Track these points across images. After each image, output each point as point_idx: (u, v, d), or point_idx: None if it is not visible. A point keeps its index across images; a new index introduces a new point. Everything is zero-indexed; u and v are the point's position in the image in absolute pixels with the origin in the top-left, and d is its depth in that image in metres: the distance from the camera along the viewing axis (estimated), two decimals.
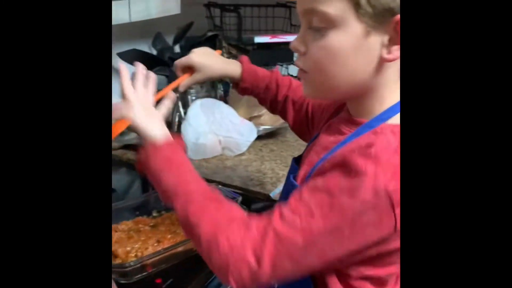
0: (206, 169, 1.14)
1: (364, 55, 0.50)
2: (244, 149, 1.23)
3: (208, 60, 0.76)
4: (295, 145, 1.32)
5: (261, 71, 0.79)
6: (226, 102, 1.34)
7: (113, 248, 0.78)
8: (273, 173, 1.13)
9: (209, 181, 1.05)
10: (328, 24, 0.49)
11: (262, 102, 0.83)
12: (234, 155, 1.22)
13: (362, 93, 0.53)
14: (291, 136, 1.38)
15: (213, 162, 1.19)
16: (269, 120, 1.31)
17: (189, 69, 0.77)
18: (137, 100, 0.61)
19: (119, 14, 0.85)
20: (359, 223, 0.45)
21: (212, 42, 1.38)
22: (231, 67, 0.78)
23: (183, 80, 0.77)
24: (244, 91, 0.80)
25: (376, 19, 0.47)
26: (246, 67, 0.78)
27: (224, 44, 1.49)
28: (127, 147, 1.25)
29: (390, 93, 0.53)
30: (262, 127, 1.29)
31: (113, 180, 1.19)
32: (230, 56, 1.46)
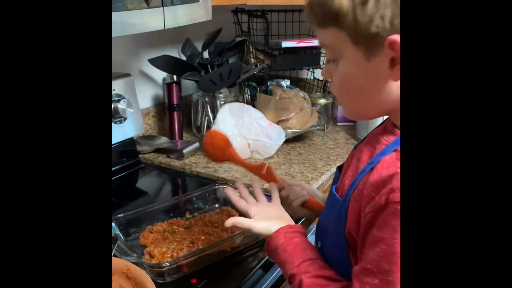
0: (236, 172, 1.16)
1: (373, 79, 0.51)
2: (273, 152, 1.24)
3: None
4: (323, 148, 1.32)
5: None
6: (253, 106, 1.36)
7: (149, 249, 0.80)
8: (302, 176, 1.14)
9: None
10: (335, 54, 0.52)
11: None
12: (263, 158, 1.23)
13: (395, 108, 0.52)
14: (318, 140, 1.38)
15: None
16: (297, 124, 1.32)
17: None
18: (255, 211, 0.71)
19: (154, 22, 0.87)
20: None
21: (240, 48, 1.41)
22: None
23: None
24: None
25: (369, 44, 0.49)
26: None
27: (251, 49, 1.51)
28: (159, 150, 1.28)
29: None
30: (290, 131, 1.30)
31: (144, 183, 1.22)
32: (258, 60, 1.48)
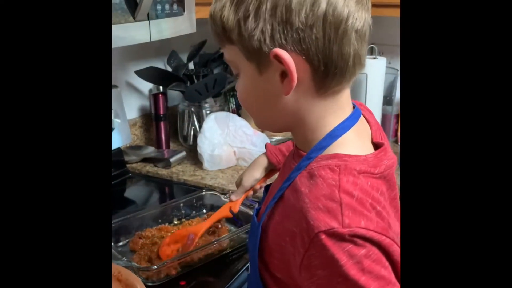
0: (222, 179, 1.19)
1: (267, 93, 0.50)
2: None
3: (251, 176, 0.85)
4: None
5: (285, 145, 0.83)
6: (238, 115, 1.40)
7: (138, 253, 0.82)
8: None
9: (226, 190, 1.10)
10: (235, 69, 0.52)
11: None
12: (249, 165, 1.26)
13: (294, 125, 0.52)
14: None
15: (229, 172, 1.24)
16: None
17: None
18: None
19: (140, 35, 0.90)
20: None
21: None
22: (265, 162, 0.84)
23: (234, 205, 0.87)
24: None
25: (257, 58, 0.47)
26: (269, 153, 0.83)
27: None
28: (146, 160, 1.31)
29: (322, 123, 0.50)
30: (274, 138, 1.34)
31: (132, 191, 1.24)
32: None
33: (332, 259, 0.43)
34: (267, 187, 0.65)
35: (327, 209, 0.44)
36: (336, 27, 0.45)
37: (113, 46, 0.86)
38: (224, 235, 0.86)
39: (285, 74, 0.47)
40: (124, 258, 0.76)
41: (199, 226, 0.87)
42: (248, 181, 0.85)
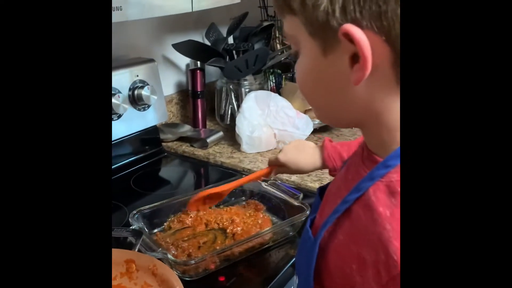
0: (262, 163, 1.11)
1: (332, 79, 0.41)
2: None
3: (295, 158, 0.79)
4: (352, 139, 1.27)
5: (346, 145, 0.74)
6: (279, 94, 1.31)
7: (177, 244, 0.77)
8: None
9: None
10: (296, 46, 0.43)
11: None
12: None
13: (365, 122, 0.43)
14: (346, 130, 1.33)
15: (268, 155, 1.15)
16: None
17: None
18: None
19: (181, 4, 0.83)
20: None
21: (266, 33, 1.35)
22: (317, 159, 0.77)
23: (267, 173, 0.83)
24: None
25: (323, 34, 0.38)
26: (326, 156, 0.76)
27: (277, 34, 1.46)
28: (182, 139, 1.25)
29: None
30: (317, 121, 1.25)
31: (168, 172, 1.19)
32: (284, 46, 1.43)
33: None
34: (322, 191, 0.55)
35: None
36: None
37: (153, 15, 0.78)
38: (267, 228, 0.79)
39: (356, 58, 0.37)
40: (160, 249, 0.70)
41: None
42: (296, 165, 0.79)
